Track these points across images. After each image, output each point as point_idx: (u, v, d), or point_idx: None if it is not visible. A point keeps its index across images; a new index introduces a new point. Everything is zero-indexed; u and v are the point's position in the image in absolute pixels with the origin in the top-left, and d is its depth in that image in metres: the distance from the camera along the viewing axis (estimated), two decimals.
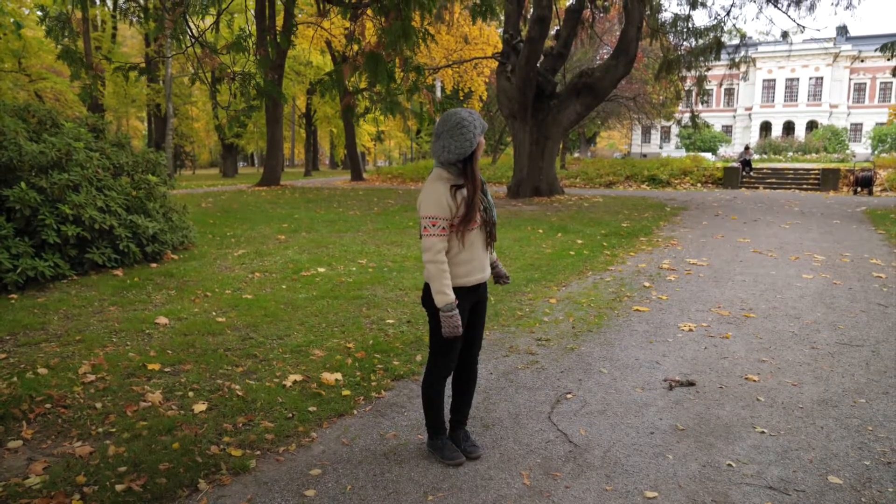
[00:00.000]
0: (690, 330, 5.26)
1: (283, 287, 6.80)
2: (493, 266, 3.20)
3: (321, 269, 7.71)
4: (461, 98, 29.15)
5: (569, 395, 3.85)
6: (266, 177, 23.81)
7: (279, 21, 22.73)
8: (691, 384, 4.02)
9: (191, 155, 54.08)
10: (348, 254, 8.86)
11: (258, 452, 3.11)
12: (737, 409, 3.64)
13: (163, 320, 5.42)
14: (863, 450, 3.15)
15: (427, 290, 2.93)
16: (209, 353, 4.58)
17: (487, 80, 28.83)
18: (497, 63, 18.67)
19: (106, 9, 32.21)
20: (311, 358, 4.51)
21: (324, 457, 3.08)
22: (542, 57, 17.26)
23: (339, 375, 4.12)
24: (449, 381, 3.48)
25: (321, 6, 7.10)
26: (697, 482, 2.84)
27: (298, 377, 4.09)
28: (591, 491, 2.77)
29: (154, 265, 7.84)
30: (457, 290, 2.89)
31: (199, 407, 3.62)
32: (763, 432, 3.34)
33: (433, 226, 2.82)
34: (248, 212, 14.58)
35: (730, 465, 3.00)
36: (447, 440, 3.09)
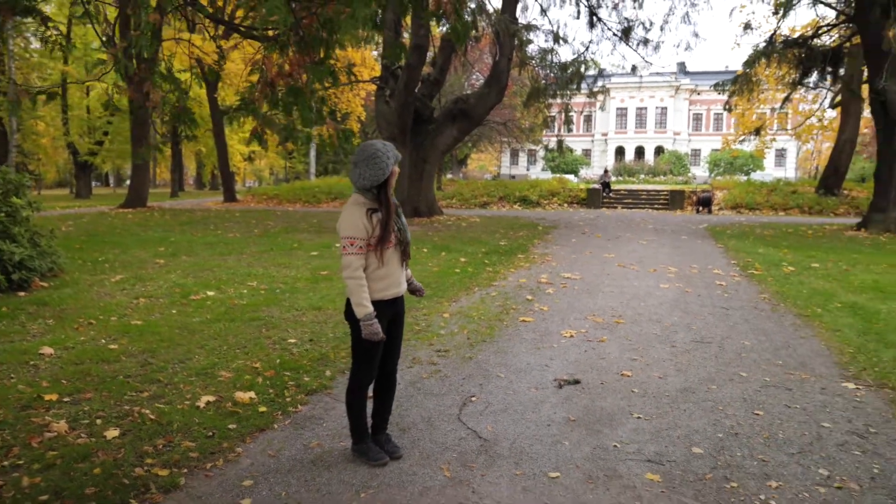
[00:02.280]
0: (571, 336, 5.87)
1: (174, 312, 6.65)
2: (409, 281, 3.52)
3: (210, 293, 7.59)
4: (339, 119, 29.22)
5: (473, 398, 4.23)
6: (131, 198, 22.46)
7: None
8: (577, 382, 4.55)
9: (35, 174, 49.37)
10: (236, 276, 8.75)
11: (185, 470, 3.18)
12: (617, 400, 4.21)
13: (48, 350, 5.16)
14: (717, 425, 3.80)
15: (349, 304, 3.19)
16: (108, 381, 4.47)
17: (364, 103, 29.20)
18: (375, 87, 19.09)
19: None
20: (219, 379, 4.54)
21: (253, 469, 3.22)
22: (419, 83, 17.91)
23: (252, 394, 4.21)
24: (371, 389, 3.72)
25: (190, 22, 7.07)
26: (591, 461, 3.31)
27: (211, 398, 4.13)
28: (504, 476, 3.14)
29: (22, 294, 7.32)
30: (376, 303, 3.17)
31: (112, 433, 3.59)
32: (639, 417, 3.91)
33: (351, 245, 3.10)
34: (117, 235, 13.78)
35: (615, 445, 3.51)
36: (371, 443, 3.34)
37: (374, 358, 3.25)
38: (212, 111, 27.24)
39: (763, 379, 4.67)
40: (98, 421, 3.78)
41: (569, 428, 3.75)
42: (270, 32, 3.91)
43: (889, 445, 3.55)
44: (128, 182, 39.73)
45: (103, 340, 5.52)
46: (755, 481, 3.12)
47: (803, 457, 3.40)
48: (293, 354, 5.18)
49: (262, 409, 3.99)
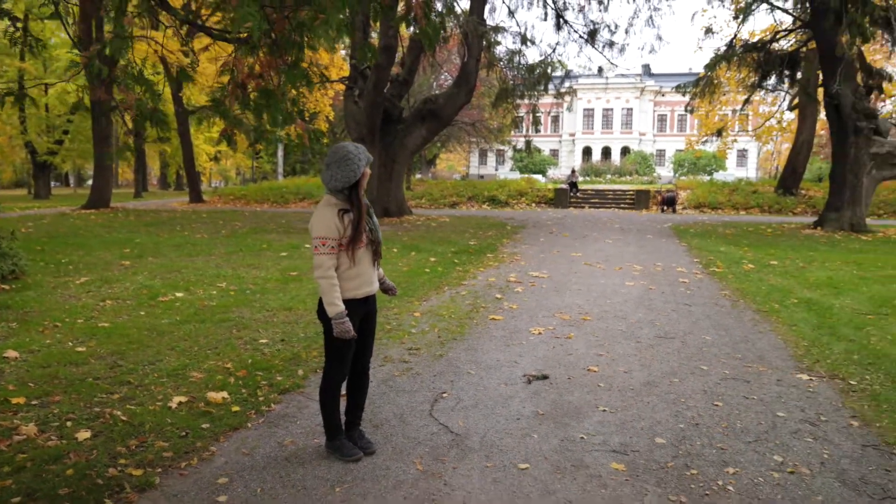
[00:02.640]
0: (540, 333, 6.00)
1: (142, 313, 6.59)
2: (381, 281, 3.58)
3: (179, 294, 7.53)
4: (306, 119, 29.04)
5: (444, 395, 4.32)
6: (94, 199, 22.00)
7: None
8: (545, 377, 4.67)
9: None
10: (205, 278, 8.69)
11: (159, 469, 3.20)
12: (583, 395, 4.34)
13: (12, 354, 5.09)
14: (678, 417, 3.96)
15: (321, 303, 3.25)
16: (77, 383, 4.44)
17: (332, 102, 29.05)
18: (344, 87, 19.05)
19: None
20: (190, 380, 4.55)
21: (227, 467, 3.25)
22: (388, 83, 17.94)
23: (224, 394, 4.23)
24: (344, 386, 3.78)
25: (153, 19, 7.01)
26: (559, 453, 3.43)
27: (183, 398, 4.14)
28: (475, 469, 3.24)
29: None
30: (348, 301, 3.24)
31: (83, 435, 3.58)
32: (605, 410, 4.05)
33: (323, 245, 3.16)
34: (80, 237, 13.52)
35: (582, 437, 3.64)
36: (345, 440, 3.40)
37: (347, 356, 3.32)
38: (177, 109, 26.78)
39: (723, 372, 4.86)
40: (68, 423, 3.77)
41: (537, 421, 3.87)
42: (243, 35, 3.93)
43: (838, 432, 3.75)
44: (89, 182, 38.79)
45: (70, 343, 5.46)
46: (714, 468, 3.28)
47: (759, 444, 3.57)
48: (265, 354, 5.20)
49: (235, 408, 4.01)
